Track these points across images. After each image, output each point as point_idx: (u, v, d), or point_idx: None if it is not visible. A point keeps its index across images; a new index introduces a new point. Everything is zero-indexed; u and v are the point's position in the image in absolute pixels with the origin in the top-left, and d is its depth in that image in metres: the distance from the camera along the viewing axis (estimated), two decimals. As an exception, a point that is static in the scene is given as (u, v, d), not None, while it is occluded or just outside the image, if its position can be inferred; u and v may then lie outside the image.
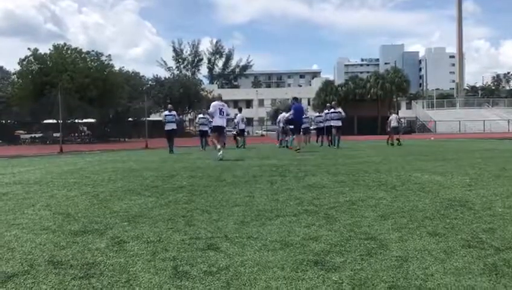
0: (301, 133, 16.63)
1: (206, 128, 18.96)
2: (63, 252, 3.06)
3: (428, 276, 2.48)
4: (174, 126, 17.03)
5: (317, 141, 22.20)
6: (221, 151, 11.55)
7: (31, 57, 37.16)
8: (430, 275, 2.48)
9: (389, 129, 20.13)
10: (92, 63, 39.18)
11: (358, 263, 2.71)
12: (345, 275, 2.51)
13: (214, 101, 12.63)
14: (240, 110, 21.75)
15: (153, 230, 3.66)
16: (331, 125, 18.23)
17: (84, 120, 44.00)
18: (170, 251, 3.04)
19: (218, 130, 12.45)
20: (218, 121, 12.13)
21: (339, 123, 17.70)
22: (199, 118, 20.19)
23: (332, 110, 18.26)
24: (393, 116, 20.26)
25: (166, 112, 17.42)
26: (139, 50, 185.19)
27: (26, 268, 2.73)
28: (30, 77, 36.94)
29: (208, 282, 2.45)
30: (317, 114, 25.19)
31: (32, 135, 41.50)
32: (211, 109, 12.25)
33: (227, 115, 12.36)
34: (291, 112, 15.88)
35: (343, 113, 17.97)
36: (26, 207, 4.91)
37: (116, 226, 3.85)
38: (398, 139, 19.31)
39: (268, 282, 2.44)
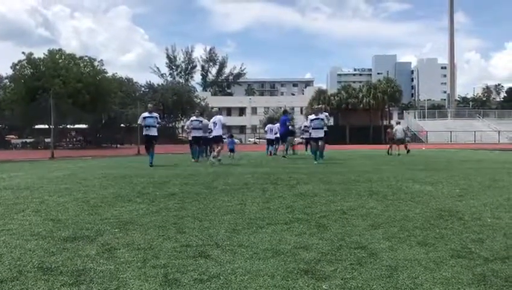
0: (283, 141, 18.18)
1: (200, 133, 15.48)
2: (53, 258, 3.04)
3: (417, 285, 2.49)
4: (154, 132, 13.15)
5: (306, 149, 20.01)
6: (213, 157, 13.27)
7: (25, 62, 37.02)
8: (420, 285, 2.50)
9: (393, 138, 20.33)
10: (85, 68, 39.10)
11: (348, 272, 2.72)
12: (335, 284, 2.52)
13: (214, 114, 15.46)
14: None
15: (144, 237, 3.65)
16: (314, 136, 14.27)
17: (76, 125, 43.84)
18: (161, 258, 3.03)
19: (214, 140, 13.85)
20: (214, 132, 13.62)
21: (321, 133, 13.92)
22: (191, 120, 16.18)
23: (313, 116, 14.35)
24: (398, 127, 20.65)
25: (146, 114, 13.26)
26: (131, 56, 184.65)
27: (15, 274, 2.70)
28: (23, 81, 36.77)
29: (198, 290, 2.45)
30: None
31: (24, 140, 41.23)
32: (211, 124, 13.92)
33: (223, 124, 13.58)
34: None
35: (325, 120, 14.68)
36: (16, 212, 4.87)
37: (106, 232, 3.83)
38: (406, 149, 19.68)
39: (258, 290, 2.44)
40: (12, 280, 2.60)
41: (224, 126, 13.61)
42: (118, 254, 3.15)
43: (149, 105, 14.64)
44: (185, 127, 17.98)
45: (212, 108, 16.09)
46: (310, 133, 14.56)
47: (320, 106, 16.83)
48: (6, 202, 5.70)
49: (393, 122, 20.81)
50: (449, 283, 2.52)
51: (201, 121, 15.66)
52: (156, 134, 13.32)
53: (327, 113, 15.51)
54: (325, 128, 14.38)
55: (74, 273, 2.72)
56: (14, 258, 3.05)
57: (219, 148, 13.35)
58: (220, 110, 70.73)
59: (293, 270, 2.75)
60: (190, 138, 16.14)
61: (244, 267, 2.82)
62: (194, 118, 16.22)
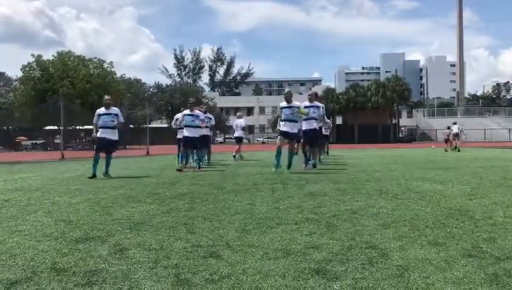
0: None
1: (194, 132, 11.25)
2: (65, 259, 3.08)
3: (429, 285, 2.48)
4: (111, 134, 9.61)
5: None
6: (238, 155, 15.85)
7: (34, 64, 37.38)
8: (431, 285, 2.49)
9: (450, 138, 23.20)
10: (94, 70, 39.40)
11: (359, 272, 2.72)
12: (346, 284, 2.52)
13: (236, 118, 16.78)
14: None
15: (155, 237, 3.67)
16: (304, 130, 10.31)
17: (86, 126, 44.15)
18: (172, 259, 3.05)
19: (239, 140, 16.30)
20: (237, 133, 16.12)
21: (314, 125, 10.27)
22: (183, 114, 11.58)
23: (307, 103, 10.49)
24: (455, 127, 23.41)
25: (101, 110, 9.70)
26: (137, 57, 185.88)
27: (28, 275, 2.73)
28: (32, 83, 37.14)
29: (209, 290, 2.46)
30: None
31: (34, 141, 41.59)
32: (234, 126, 16.60)
33: (243, 127, 16.21)
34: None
35: (321, 112, 10.63)
36: (28, 214, 4.93)
37: (118, 233, 3.86)
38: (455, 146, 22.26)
39: (270, 290, 2.45)
40: (26, 281, 2.63)
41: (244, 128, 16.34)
42: (130, 255, 3.17)
43: (105, 97, 10.19)
44: (173, 122, 13.23)
45: (237, 111, 16.90)
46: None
47: (312, 93, 11.46)
48: (18, 203, 5.77)
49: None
50: (461, 283, 2.51)
51: (198, 116, 11.59)
52: (115, 138, 9.69)
53: (322, 105, 11.00)
54: (318, 124, 10.75)
55: (87, 273, 2.75)
56: (28, 259, 3.08)
57: (239, 146, 16.10)
58: (228, 110, 71.41)
59: (303, 270, 2.76)
60: (179, 136, 12.33)
61: (255, 268, 2.83)
62: (187, 111, 11.53)
